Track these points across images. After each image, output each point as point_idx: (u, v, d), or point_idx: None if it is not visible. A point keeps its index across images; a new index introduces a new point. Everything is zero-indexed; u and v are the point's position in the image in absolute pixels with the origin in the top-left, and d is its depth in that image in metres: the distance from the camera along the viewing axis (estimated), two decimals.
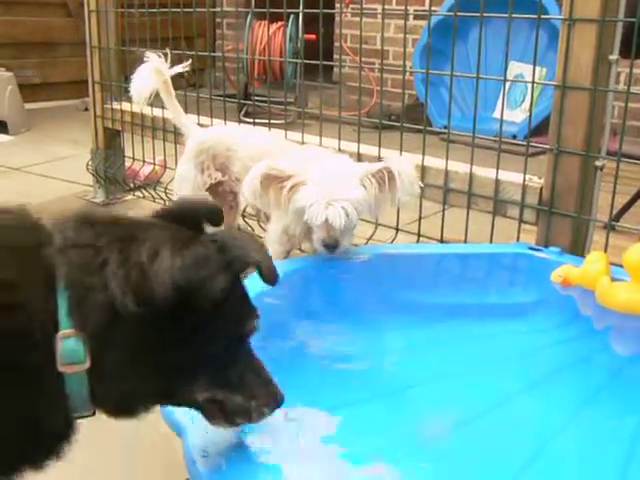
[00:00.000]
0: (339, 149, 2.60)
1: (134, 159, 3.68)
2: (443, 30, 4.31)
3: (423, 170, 2.38)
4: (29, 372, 0.90)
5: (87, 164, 3.87)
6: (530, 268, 2.03)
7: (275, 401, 1.09)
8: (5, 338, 0.86)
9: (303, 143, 2.73)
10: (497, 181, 2.23)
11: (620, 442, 1.42)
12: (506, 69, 2.23)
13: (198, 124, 3.14)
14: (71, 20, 6.55)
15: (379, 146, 2.50)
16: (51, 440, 0.96)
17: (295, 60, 2.77)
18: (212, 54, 3.24)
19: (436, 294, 1.95)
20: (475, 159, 2.31)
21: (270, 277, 0.99)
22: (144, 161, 3.61)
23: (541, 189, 2.15)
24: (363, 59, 2.77)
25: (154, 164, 3.55)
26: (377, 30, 2.45)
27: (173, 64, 2.74)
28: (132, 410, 1.02)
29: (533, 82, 2.22)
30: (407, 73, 5.75)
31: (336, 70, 5.63)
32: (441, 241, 2.39)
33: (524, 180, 2.18)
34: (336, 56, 5.79)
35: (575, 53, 2.02)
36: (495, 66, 4.37)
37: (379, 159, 2.47)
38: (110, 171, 3.77)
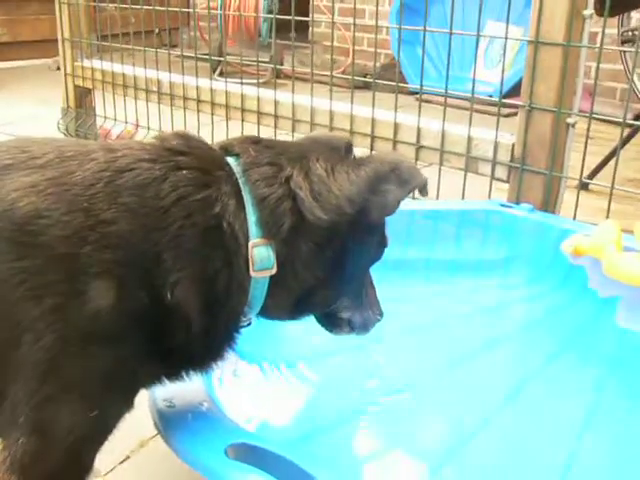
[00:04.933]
0: (311, 107, 2.59)
1: (106, 118, 3.62)
2: None
3: (396, 127, 2.37)
4: (229, 276, 0.99)
5: (58, 123, 3.81)
6: (502, 225, 2.03)
7: (382, 311, 1.23)
8: (214, 248, 0.97)
9: (276, 102, 2.71)
10: (469, 138, 2.22)
11: (584, 392, 1.44)
12: (479, 24, 2.21)
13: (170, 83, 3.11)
14: None
15: (351, 104, 2.48)
16: (225, 340, 1.05)
17: (268, 15, 2.73)
18: (184, 10, 3.18)
19: (408, 249, 1.95)
20: (451, 119, 2.30)
21: (427, 193, 1.11)
22: (116, 120, 3.56)
23: (513, 146, 2.14)
24: (339, 18, 2.73)
25: (126, 123, 3.50)
26: None
27: (145, 23, 2.67)
28: (295, 315, 1.14)
29: (506, 37, 2.21)
30: (384, 32, 5.71)
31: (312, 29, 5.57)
32: (413, 198, 2.38)
33: (496, 137, 2.18)
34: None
35: (549, 8, 2.01)
36: (473, 28, 4.33)
37: (351, 117, 2.46)
38: (81, 130, 3.71)
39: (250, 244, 0.99)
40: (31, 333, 0.87)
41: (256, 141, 1.09)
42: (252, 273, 1.00)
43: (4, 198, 0.87)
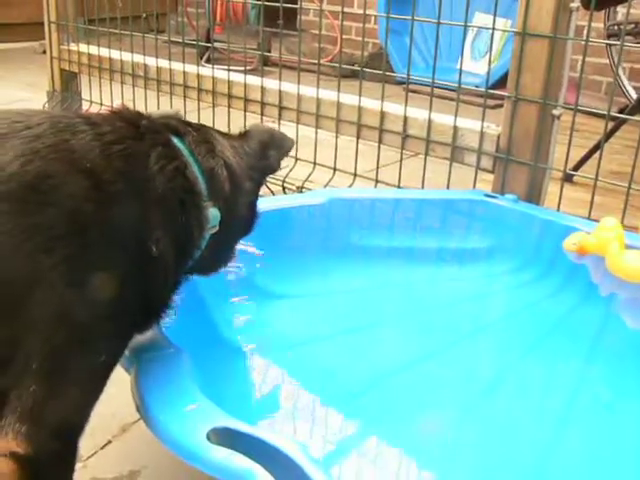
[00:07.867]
0: (298, 95, 2.59)
1: (92, 102, 3.60)
2: None
3: (382, 116, 2.38)
4: (198, 232, 1.16)
5: (43, 106, 3.78)
6: (485, 215, 2.04)
7: None
8: (190, 207, 1.13)
9: (263, 89, 2.71)
10: (455, 127, 2.23)
11: (563, 384, 1.46)
12: (467, 15, 2.21)
13: (157, 68, 3.09)
14: None
15: (338, 92, 2.48)
16: (178, 290, 1.20)
17: (256, 2, 2.71)
18: None
19: (392, 238, 1.96)
20: (438, 109, 2.31)
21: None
22: (102, 104, 3.54)
23: (498, 136, 2.15)
24: (328, 6, 2.73)
25: (112, 107, 3.48)
26: None
27: (133, 8, 2.65)
28: (219, 267, 1.34)
29: (493, 29, 2.21)
30: (372, 21, 5.70)
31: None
32: (398, 187, 2.39)
33: (482, 127, 2.19)
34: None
35: (536, 0, 2.02)
36: (462, 19, 4.33)
37: (338, 105, 2.47)
38: None
39: (205, 205, 1.16)
40: (44, 283, 0.92)
41: (188, 123, 1.25)
42: (206, 229, 1.17)
43: (11, 162, 0.93)
